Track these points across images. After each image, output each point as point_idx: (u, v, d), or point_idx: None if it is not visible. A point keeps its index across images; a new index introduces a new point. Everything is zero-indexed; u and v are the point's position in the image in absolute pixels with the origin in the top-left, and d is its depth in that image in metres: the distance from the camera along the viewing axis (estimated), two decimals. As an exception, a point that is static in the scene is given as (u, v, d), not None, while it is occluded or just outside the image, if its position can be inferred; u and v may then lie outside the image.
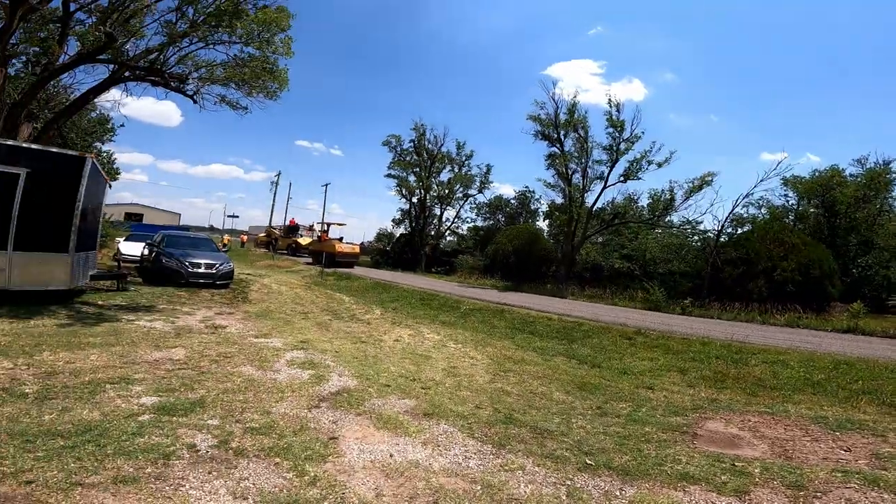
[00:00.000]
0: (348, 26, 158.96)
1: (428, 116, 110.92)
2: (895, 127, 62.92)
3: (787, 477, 3.65)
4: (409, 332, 10.07)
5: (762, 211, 30.01)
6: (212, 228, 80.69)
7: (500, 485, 3.35)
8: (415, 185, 37.44)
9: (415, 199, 37.96)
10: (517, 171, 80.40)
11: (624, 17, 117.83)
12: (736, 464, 3.93)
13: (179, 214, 66.49)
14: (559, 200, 27.66)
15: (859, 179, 27.89)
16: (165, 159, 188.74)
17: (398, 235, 40.57)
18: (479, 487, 3.29)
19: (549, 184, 27.71)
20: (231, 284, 14.38)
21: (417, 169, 37.30)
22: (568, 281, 23.70)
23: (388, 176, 38.13)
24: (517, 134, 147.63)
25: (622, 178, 24.63)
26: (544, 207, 37.54)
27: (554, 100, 25.18)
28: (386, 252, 39.16)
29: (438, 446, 4.01)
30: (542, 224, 40.30)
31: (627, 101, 61.14)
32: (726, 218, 23.10)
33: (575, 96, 26.29)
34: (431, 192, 37.80)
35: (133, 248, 18.55)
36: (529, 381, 6.75)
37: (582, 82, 77.36)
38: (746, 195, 23.39)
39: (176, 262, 13.46)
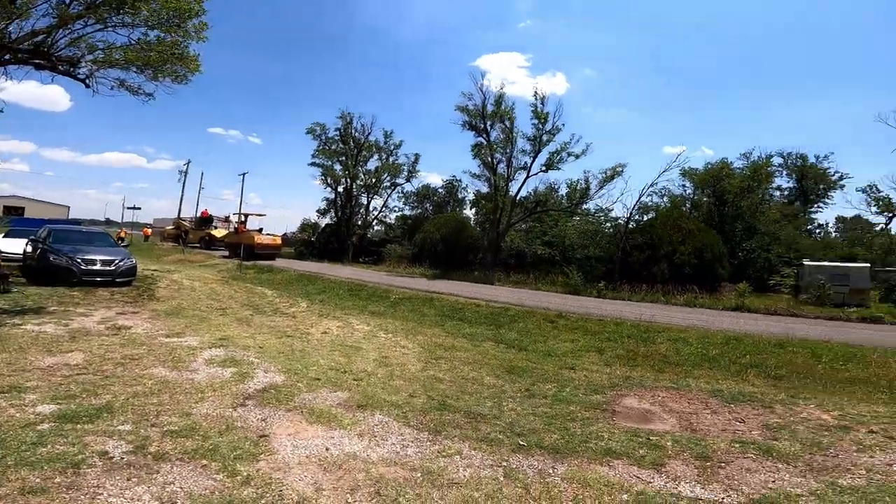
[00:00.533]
0: (272, 9, 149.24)
1: (354, 106, 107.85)
2: (775, 123, 71.64)
3: (694, 449, 4.02)
4: (337, 323, 9.83)
5: (664, 199, 32.94)
6: (108, 222, 72.68)
7: (440, 470, 3.39)
8: (341, 173, 36.41)
9: (340, 189, 36.98)
10: (445, 161, 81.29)
11: (554, 11, 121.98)
12: (650, 438, 4.27)
13: (68, 207, 58.96)
14: (485, 189, 28.37)
15: (744, 171, 31.54)
16: (51, 147, 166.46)
17: (324, 225, 39.33)
18: (419, 475, 3.31)
19: (475, 174, 28.36)
20: (134, 282, 13.11)
21: (343, 157, 36.28)
22: (494, 267, 24.44)
23: (313, 164, 36.80)
24: (446, 124, 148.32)
25: (544, 168, 25.81)
26: (471, 196, 38.34)
27: (482, 91, 25.73)
28: (311, 243, 37.81)
29: (375, 437, 3.97)
30: (469, 212, 41.11)
31: (551, 94, 63.92)
32: (634, 206, 25.13)
33: (502, 88, 27.04)
34: (358, 181, 37.01)
35: (14, 245, 16.23)
36: (461, 367, 6.89)
37: (509, 74, 79.42)
38: (651, 185, 25.85)
39: (66, 259, 11.95)
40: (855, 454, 4.02)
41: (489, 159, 26.52)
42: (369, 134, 36.96)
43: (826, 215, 55.00)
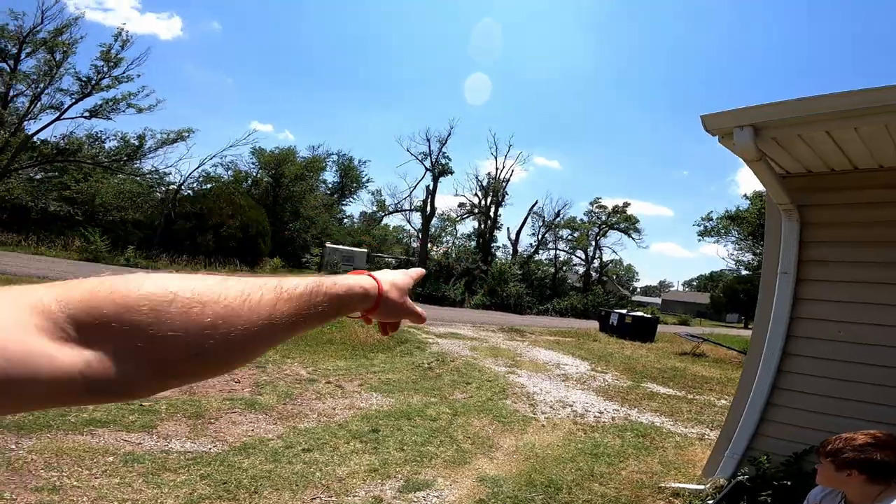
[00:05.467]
0: None
1: None
2: (350, 123, 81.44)
3: (188, 409, 4.30)
4: None
5: (229, 173, 32.94)
6: None
7: None
8: None
9: None
10: None
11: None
12: (144, 404, 4.26)
13: None
14: None
15: (304, 161, 35.87)
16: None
17: None
18: None
19: None
20: None
21: None
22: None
23: None
24: None
25: (87, 115, 21.24)
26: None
27: (43, 12, 19.19)
28: None
29: None
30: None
31: (151, 35, 49.75)
32: (189, 173, 23.95)
33: (79, 15, 20.25)
34: None
35: None
36: None
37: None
38: (215, 156, 25.35)
39: None
40: (314, 401, 5.11)
41: (3, 89, 19.37)
42: None
43: (353, 208, 70.53)
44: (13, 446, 3.11)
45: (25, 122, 20.47)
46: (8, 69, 19.50)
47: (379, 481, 3.34)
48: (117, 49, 20.94)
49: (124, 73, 21.27)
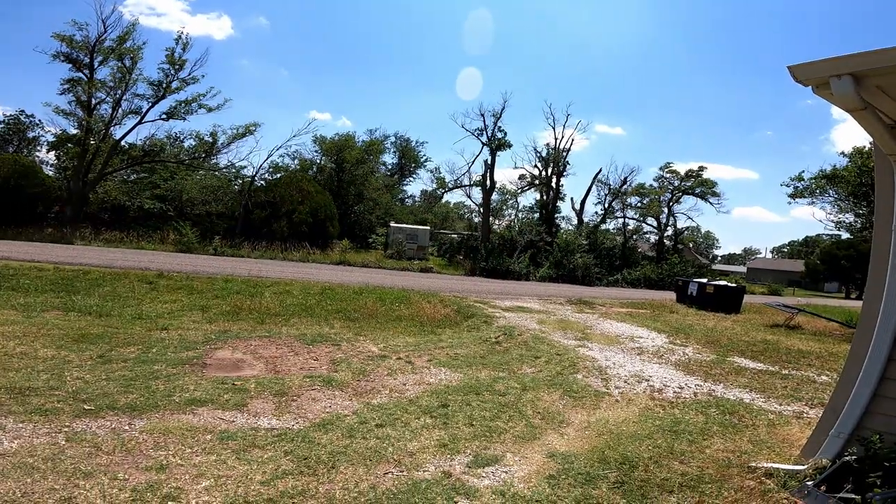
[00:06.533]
0: None
1: None
2: (403, 106, 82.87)
3: (274, 387, 4.60)
4: None
5: (295, 162, 34.55)
6: None
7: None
8: None
9: None
10: (11, 89, 56.54)
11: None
12: (236, 383, 4.62)
13: None
14: (74, 131, 22.31)
15: (363, 145, 36.78)
16: None
17: None
18: None
19: (64, 110, 21.69)
20: None
21: None
22: (77, 223, 19.52)
23: None
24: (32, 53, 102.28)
25: (164, 117, 23.07)
26: (51, 137, 29.12)
27: (102, 20, 20.89)
28: None
29: None
30: (48, 155, 31.16)
31: (207, 37, 53.58)
32: (260, 165, 25.37)
33: (135, 21, 22.03)
34: None
35: None
36: (2, 343, 5.41)
37: (160, 3, 60.02)
38: (280, 147, 26.74)
39: None
40: (385, 377, 5.20)
41: (86, 98, 21.19)
42: None
43: (414, 188, 71.87)
44: (126, 427, 3.45)
45: (111, 128, 22.53)
46: (85, 79, 21.15)
47: (448, 456, 3.39)
48: (179, 52, 22.22)
49: (189, 74, 22.61)
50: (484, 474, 3.16)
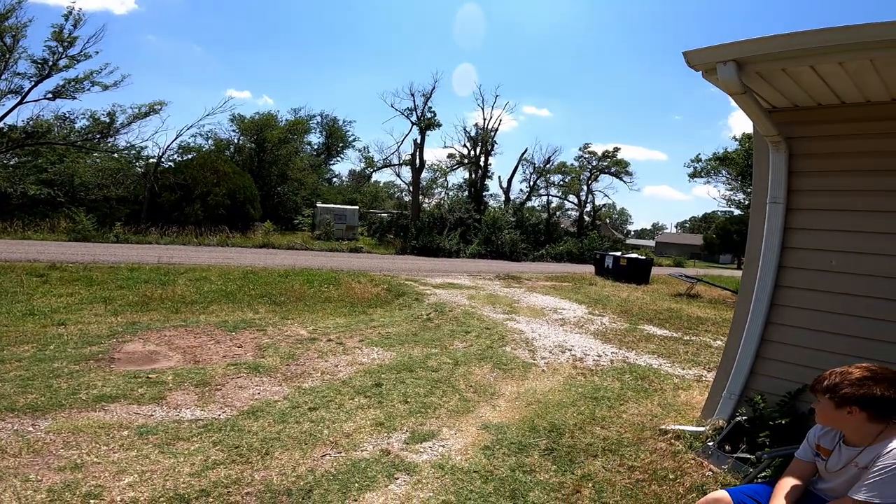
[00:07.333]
0: None
1: None
2: (333, 85, 78.87)
3: (194, 378, 4.32)
4: None
5: (209, 142, 32.05)
6: None
7: None
8: None
9: None
10: None
11: None
12: (151, 376, 4.30)
13: None
14: None
15: (287, 124, 34.88)
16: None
17: None
18: None
19: None
20: None
21: None
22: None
23: None
24: None
25: (50, 96, 20.70)
26: None
27: None
28: None
29: None
30: None
31: (103, 11, 46.95)
32: (168, 145, 23.36)
33: None
34: None
35: None
36: None
37: None
38: (192, 126, 24.62)
39: None
40: (316, 360, 5.10)
41: None
42: None
43: (342, 168, 69.57)
44: (31, 428, 3.16)
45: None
46: None
47: (385, 434, 3.44)
48: (70, 28, 20.12)
49: (81, 51, 20.51)
50: (422, 449, 3.25)
